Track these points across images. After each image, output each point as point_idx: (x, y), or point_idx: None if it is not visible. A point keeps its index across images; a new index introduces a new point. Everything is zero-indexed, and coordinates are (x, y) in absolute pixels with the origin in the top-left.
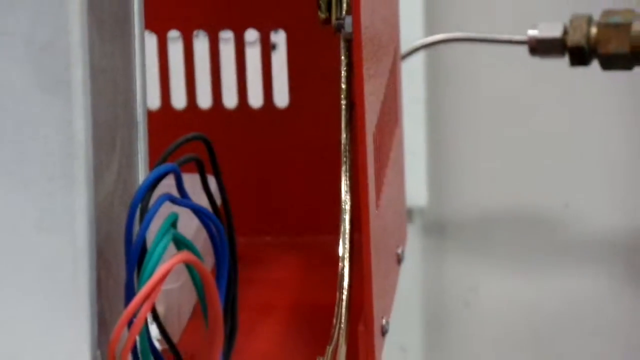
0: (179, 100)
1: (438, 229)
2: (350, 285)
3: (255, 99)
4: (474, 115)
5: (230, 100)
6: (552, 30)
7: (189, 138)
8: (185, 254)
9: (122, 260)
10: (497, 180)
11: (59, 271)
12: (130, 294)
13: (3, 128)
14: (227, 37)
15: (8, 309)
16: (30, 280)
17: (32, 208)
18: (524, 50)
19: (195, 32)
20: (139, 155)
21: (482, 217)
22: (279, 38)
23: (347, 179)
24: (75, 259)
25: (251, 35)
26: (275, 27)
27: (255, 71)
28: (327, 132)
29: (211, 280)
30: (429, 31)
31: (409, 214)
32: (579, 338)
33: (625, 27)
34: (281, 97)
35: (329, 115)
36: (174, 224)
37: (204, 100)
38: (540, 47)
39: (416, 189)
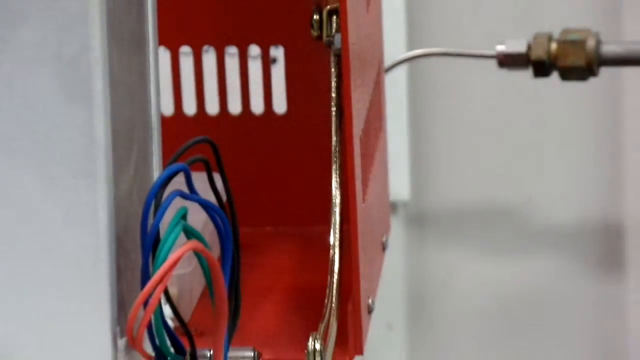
0: (189, 107)
1: (419, 220)
2: (340, 270)
3: (257, 106)
4: (450, 120)
5: (234, 107)
6: (518, 46)
7: (198, 141)
8: (194, 243)
9: (139, 248)
10: (470, 178)
11: (83, 258)
12: (145, 278)
13: (33, 132)
14: (232, 52)
15: (38, 293)
16: (58, 266)
17: (59, 203)
18: (493, 62)
19: (204, 48)
20: (154, 156)
21: (457, 209)
22: (278, 53)
23: (337, 176)
24: (97, 248)
25: (253, 50)
26: (275, 43)
27: (257, 82)
28: (319, 135)
29: (217, 266)
30: (410, 46)
31: (393, 207)
32: (539, 312)
33: (581, 43)
34: (279, 105)
35: (322, 121)
36: (184, 216)
37: (212, 107)
38: (507, 61)
39: (399, 185)
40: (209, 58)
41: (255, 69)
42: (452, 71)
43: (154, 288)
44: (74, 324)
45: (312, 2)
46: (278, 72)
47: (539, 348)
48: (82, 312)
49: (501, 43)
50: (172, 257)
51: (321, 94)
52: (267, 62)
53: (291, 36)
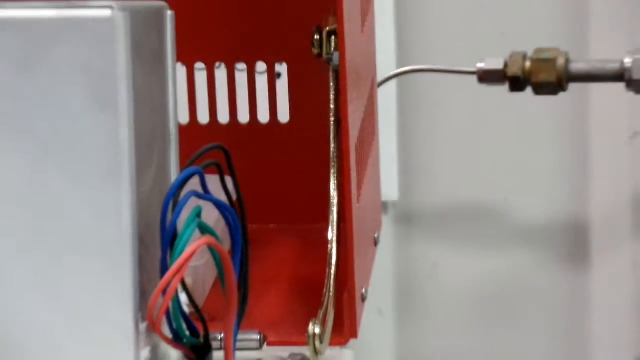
0: (203, 117)
1: (406, 218)
2: (337, 262)
3: (263, 116)
4: (435, 129)
5: (243, 116)
6: (495, 64)
7: (211, 147)
8: (207, 238)
9: (158, 242)
10: (452, 180)
11: (109, 251)
12: (164, 269)
13: (65, 138)
14: (241, 68)
15: (68, 281)
16: (87, 258)
17: (88, 201)
18: (474, 78)
19: (216, 64)
20: (171, 160)
21: (440, 208)
22: (282, 68)
23: (335, 179)
24: (121, 242)
25: (260, 66)
26: (279, 60)
27: (263, 94)
28: (319, 142)
29: (228, 258)
30: (400, 62)
31: (384, 206)
32: (514, 301)
33: (552, 61)
34: (283, 115)
35: (321, 129)
36: (198, 214)
37: (223, 116)
38: (486, 77)
39: (389, 186)
40: (221, 73)
41: (261, 82)
42: (437, 85)
43: (172, 278)
44: (101, 309)
45: (313, 23)
46: (282, 86)
47: (513, 333)
48: (108, 299)
49: (481, 61)
50: (187, 250)
51: (321, 105)
52: (272, 77)
53: (294, 53)
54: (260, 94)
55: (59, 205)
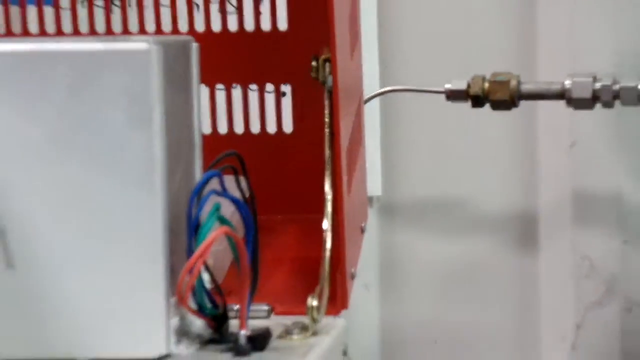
0: (222, 128)
1: (389, 210)
2: (331, 247)
3: (271, 128)
4: (412, 137)
5: (255, 128)
6: (460, 85)
7: (228, 153)
8: (225, 228)
9: (185, 232)
10: (427, 179)
11: (145, 239)
12: (190, 253)
13: (108, 149)
14: (253, 88)
15: (113, 263)
16: (128, 245)
17: (128, 200)
18: (442, 96)
19: (233, 85)
20: (196, 164)
21: (417, 202)
22: (287, 89)
23: (329, 178)
24: (155, 232)
25: (269, 87)
26: (284, 82)
27: (271, 109)
28: (317, 148)
29: (242, 244)
30: (383, 83)
31: (369, 200)
32: (476, 278)
33: (506, 83)
34: (287, 126)
35: (319, 138)
36: (218, 209)
37: (238, 128)
38: (452, 95)
39: (374, 183)
40: (237, 92)
41: (270, 100)
42: (412, 101)
43: (197, 260)
44: (139, 285)
45: (311, 52)
46: (287, 103)
47: (475, 305)
48: (144, 278)
49: (448, 82)
50: (209, 238)
51: (318, 118)
52: (279, 96)
53: (296, 77)
54: (268, 110)
55: (105, 204)
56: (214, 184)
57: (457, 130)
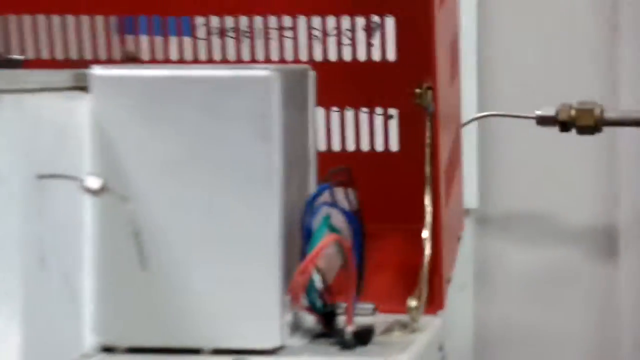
0: (335, 146)
1: (483, 221)
2: (430, 254)
3: (379, 146)
4: (506, 155)
5: (365, 146)
6: (549, 111)
7: (340, 168)
8: (335, 235)
9: (299, 237)
10: (518, 193)
11: (264, 242)
12: (303, 257)
13: (236, 162)
14: (364, 111)
15: (236, 265)
16: (249, 247)
17: (251, 207)
18: (533, 121)
19: (346, 108)
20: (310, 178)
21: (509, 214)
22: (394, 112)
23: (430, 192)
24: (272, 236)
25: (378, 110)
26: (392, 106)
27: (379, 130)
28: (419, 166)
29: (350, 249)
30: (480, 109)
31: (466, 212)
32: (564, 286)
33: (591, 111)
34: (394, 145)
35: (421, 157)
36: (329, 218)
37: (350, 145)
38: (542, 121)
39: (471, 196)
40: (350, 114)
41: (378, 122)
42: (507, 124)
43: (309, 263)
44: (256, 285)
45: (415, 80)
46: (393, 125)
47: (559, 308)
48: (262, 278)
49: (538, 109)
50: (320, 243)
51: (421, 139)
52: (386, 118)
53: (402, 102)
54: (377, 130)
55: (230, 210)
56: (326, 196)
57: (545, 151)
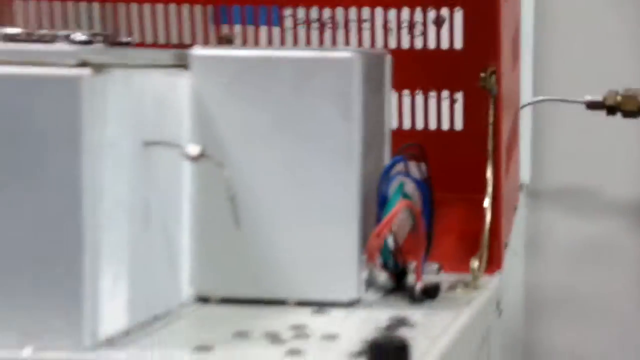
0: (406, 125)
1: (535, 194)
2: (490, 221)
3: (445, 125)
4: (557, 135)
5: (432, 125)
6: (597, 97)
7: (411, 144)
8: (407, 202)
9: (374, 203)
10: (568, 169)
11: (344, 207)
12: (378, 221)
13: (319, 136)
14: (432, 95)
15: (318, 227)
16: (331, 212)
17: (333, 176)
18: (583, 106)
19: (416, 91)
20: (385, 151)
21: (559, 188)
22: (459, 96)
23: (491, 166)
24: (352, 201)
25: (444, 94)
26: (457, 89)
27: (445, 111)
28: (481, 143)
29: (420, 215)
30: (535, 93)
31: (520, 186)
32: (609, 255)
33: (634, 97)
34: (458, 124)
35: (483, 135)
36: (402, 186)
37: (419, 124)
38: (591, 105)
39: (524, 172)
40: (419, 97)
41: (445, 104)
42: (559, 107)
43: (384, 226)
44: (337, 244)
45: (480, 65)
46: (459, 107)
47: (603, 275)
48: (341, 237)
49: (588, 94)
50: (394, 209)
51: (483, 120)
52: (452, 101)
53: (467, 85)
54: (443, 111)
55: (314, 178)
56: (400, 166)
57: (593, 133)
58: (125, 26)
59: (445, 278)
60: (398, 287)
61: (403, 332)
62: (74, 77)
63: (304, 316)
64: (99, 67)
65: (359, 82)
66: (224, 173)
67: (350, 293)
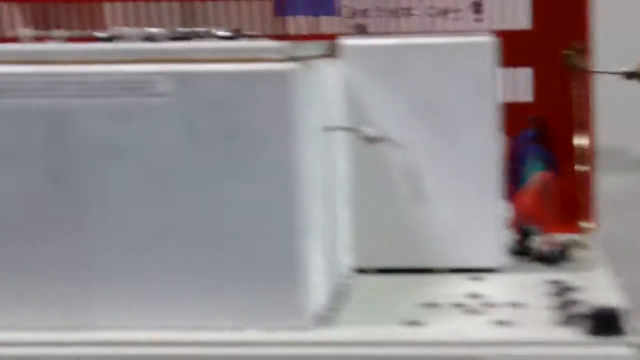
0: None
1: None
2: (587, 184)
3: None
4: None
5: (526, 97)
6: (631, 68)
7: (536, 117)
8: (545, 173)
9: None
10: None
11: (485, 177)
12: (514, 188)
13: (458, 114)
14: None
15: (463, 199)
16: (474, 182)
17: (472, 150)
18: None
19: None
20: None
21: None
22: (526, 72)
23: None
24: (491, 172)
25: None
26: (527, 65)
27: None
28: (567, 116)
29: (551, 182)
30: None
31: None
32: None
33: None
34: (527, 96)
35: (566, 105)
36: (537, 153)
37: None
38: (626, 76)
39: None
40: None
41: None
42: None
43: (537, 195)
44: (484, 214)
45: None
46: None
47: None
48: (488, 208)
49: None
50: (541, 179)
51: (560, 91)
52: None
53: (536, 63)
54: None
55: (456, 153)
56: (530, 138)
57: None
58: (202, 21)
59: (568, 239)
60: (524, 250)
61: (576, 296)
62: (289, 71)
63: (465, 283)
64: (302, 61)
65: (492, 62)
66: (402, 153)
67: (497, 260)
